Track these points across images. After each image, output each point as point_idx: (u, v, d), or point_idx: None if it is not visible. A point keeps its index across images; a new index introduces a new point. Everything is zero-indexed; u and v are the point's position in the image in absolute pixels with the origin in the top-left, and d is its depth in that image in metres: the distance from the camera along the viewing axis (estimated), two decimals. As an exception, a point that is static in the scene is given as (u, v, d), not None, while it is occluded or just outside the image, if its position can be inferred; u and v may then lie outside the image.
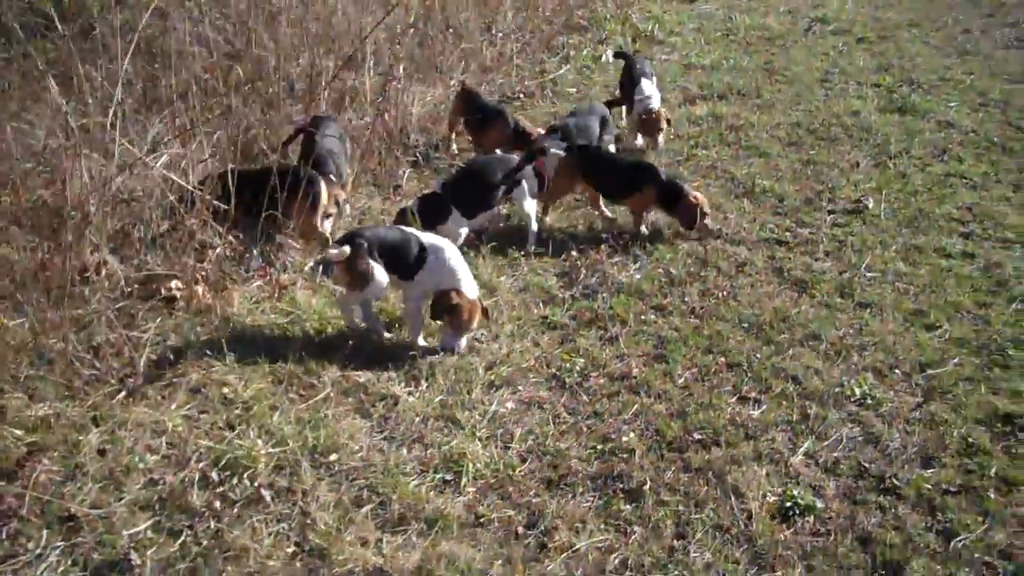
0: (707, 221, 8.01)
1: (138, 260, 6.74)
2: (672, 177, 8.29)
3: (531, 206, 7.92)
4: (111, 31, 7.26)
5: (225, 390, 5.85)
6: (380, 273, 6.36)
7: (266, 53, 9.49)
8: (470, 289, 6.37)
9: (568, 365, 6.29)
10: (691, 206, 7.93)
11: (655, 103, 9.98)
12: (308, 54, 9.71)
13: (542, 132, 9.10)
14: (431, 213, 7.49)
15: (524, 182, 7.86)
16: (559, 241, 8.00)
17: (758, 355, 6.39)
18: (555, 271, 7.54)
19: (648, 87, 10.05)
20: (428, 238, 6.51)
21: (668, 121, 10.03)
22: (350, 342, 6.42)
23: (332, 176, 7.67)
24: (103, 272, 6.49)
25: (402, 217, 7.44)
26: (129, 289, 6.52)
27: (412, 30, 10.78)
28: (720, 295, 7.15)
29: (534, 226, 7.94)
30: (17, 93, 7.66)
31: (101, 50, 7.79)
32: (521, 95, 11.46)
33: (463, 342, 6.37)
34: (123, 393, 5.69)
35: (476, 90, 9.95)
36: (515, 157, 7.99)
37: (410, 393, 5.97)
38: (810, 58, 13.44)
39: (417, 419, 5.74)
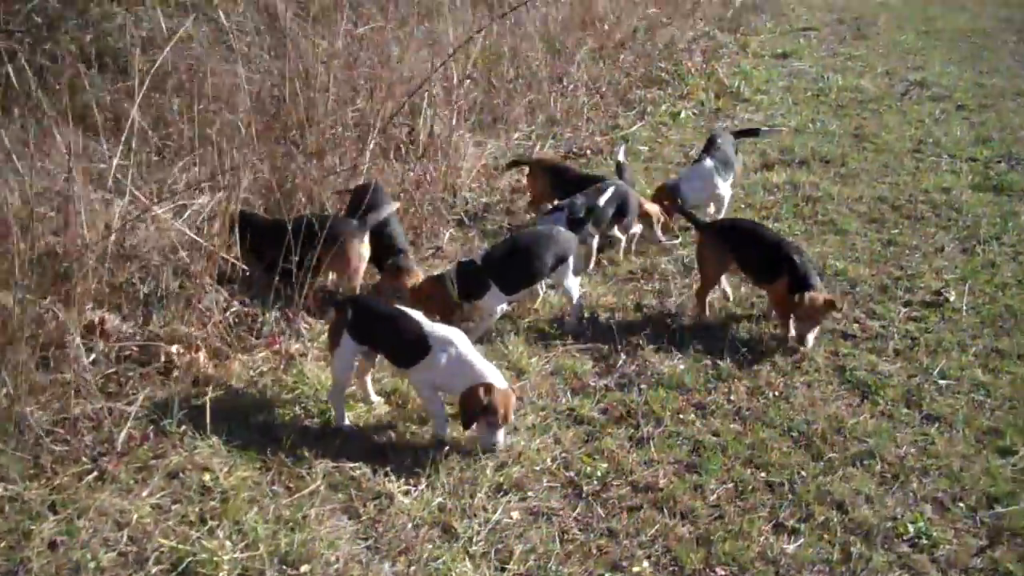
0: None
1: (137, 321, 6.29)
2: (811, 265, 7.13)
3: (574, 283, 7.27)
4: (139, 71, 6.83)
5: (206, 477, 5.35)
6: (346, 351, 5.85)
7: (314, 95, 9.06)
8: (496, 378, 5.72)
9: (589, 469, 5.65)
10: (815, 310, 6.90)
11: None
12: (360, 102, 9.27)
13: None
14: (467, 284, 6.94)
15: (570, 259, 7.21)
16: (604, 324, 7.33)
17: (803, 472, 5.66)
18: (592, 354, 6.90)
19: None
20: (435, 329, 5.87)
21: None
22: (355, 425, 5.89)
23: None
24: (98, 332, 6.06)
25: (439, 284, 6.91)
26: (127, 352, 6.07)
27: (470, 80, 10.27)
28: (770, 395, 6.45)
29: (575, 301, 7.31)
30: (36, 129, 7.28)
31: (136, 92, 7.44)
32: (588, 151, 10.88)
33: (502, 437, 5.73)
34: (93, 475, 5.21)
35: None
36: (563, 231, 7.34)
37: (407, 492, 5.39)
38: (904, 125, 12.61)
39: (409, 525, 5.15)
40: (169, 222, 6.51)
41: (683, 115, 12.45)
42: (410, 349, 5.77)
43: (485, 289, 6.94)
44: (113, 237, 6.31)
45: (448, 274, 6.96)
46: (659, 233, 8.70)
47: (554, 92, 11.65)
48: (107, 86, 8.18)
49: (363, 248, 7.12)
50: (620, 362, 6.76)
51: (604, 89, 12.41)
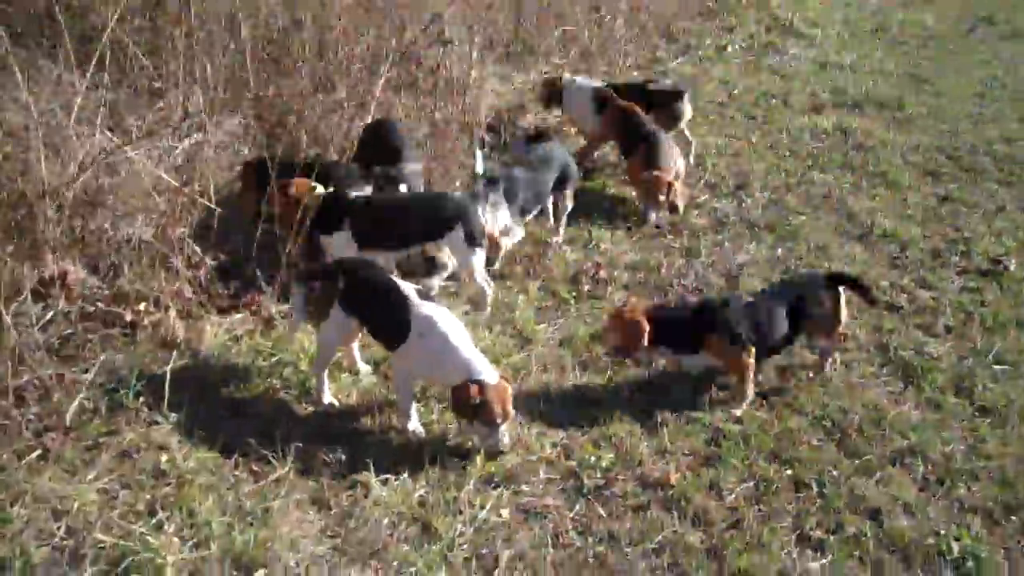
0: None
1: (104, 276, 5.70)
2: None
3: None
4: None
5: (162, 458, 4.78)
6: (333, 323, 5.26)
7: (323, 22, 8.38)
8: (488, 372, 4.98)
9: (592, 459, 5.03)
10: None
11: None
12: (373, 30, 8.56)
13: None
14: (323, 214, 6.07)
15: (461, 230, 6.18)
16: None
17: (835, 471, 5.01)
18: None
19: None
20: (421, 305, 5.12)
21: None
22: (336, 401, 5.32)
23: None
24: (59, 286, 5.49)
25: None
26: (89, 310, 5.51)
27: (494, 7, 9.49)
28: (803, 376, 5.77)
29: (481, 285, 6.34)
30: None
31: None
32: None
33: (505, 435, 5.01)
34: (36, 453, 4.66)
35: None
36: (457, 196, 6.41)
37: (385, 482, 4.79)
38: (969, 66, 11.65)
39: (384, 521, 4.57)
40: (145, 164, 5.87)
41: (730, 49, 11.59)
42: (393, 330, 5.12)
43: (335, 228, 6.12)
44: (80, 181, 5.71)
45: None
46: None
47: (590, 22, 10.83)
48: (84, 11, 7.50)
49: None
50: (638, 332, 6.09)
51: (646, 19, 11.55)
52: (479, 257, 6.13)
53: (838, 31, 12.84)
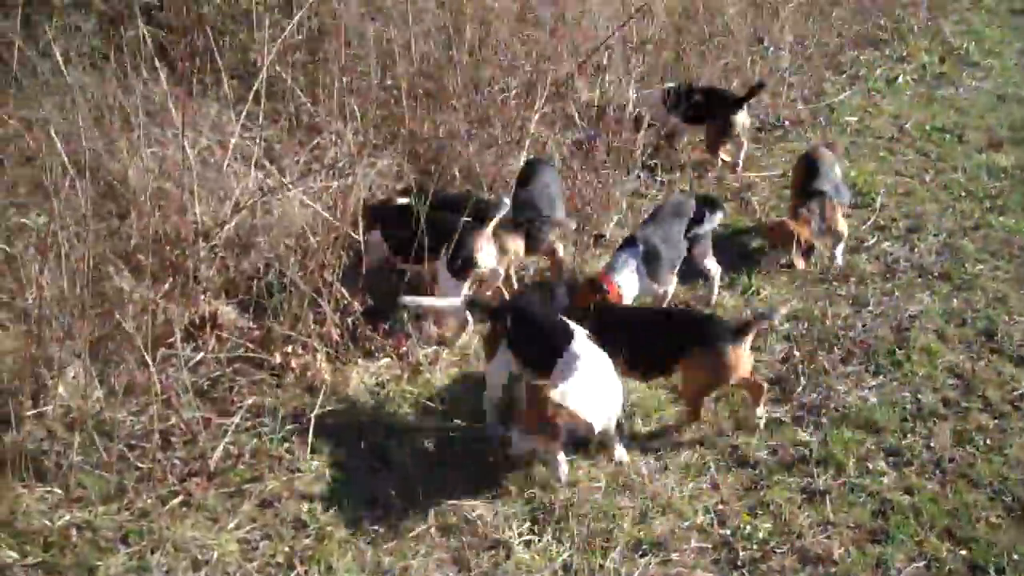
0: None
1: (251, 317, 5.69)
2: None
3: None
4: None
5: (303, 507, 4.72)
6: (500, 364, 5.24)
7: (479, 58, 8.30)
8: (590, 413, 4.78)
9: (748, 529, 4.73)
10: None
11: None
12: (529, 66, 8.43)
13: None
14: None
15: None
16: (783, 338, 6.30)
17: (1016, 556, 4.57)
18: (768, 373, 5.90)
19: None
20: (577, 344, 5.03)
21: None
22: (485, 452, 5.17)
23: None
24: (209, 327, 5.49)
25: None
26: (238, 352, 5.48)
27: (653, 44, 9.24)
28: (981, 443, 5.33)
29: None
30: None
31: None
32: (786, 123, 9.68)
33: (563, 465, 4.96)
34: (178, 499, 4.64)
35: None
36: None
37: (528, 544, 4.60)
38: None
39: (527, 587, 4.38)
40: (298, 204, 5.85)
41: (900, 80, 11.03)
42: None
43: None
44: (234, 222, 5.73)
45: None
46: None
47: (753, 54, 10.46)
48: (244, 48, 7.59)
49: (512, 242, 6.28)
50: (799, 388, 5.74)
51: (811, 51, 11.11)
52: None
53: (1016, 61, 12.10)
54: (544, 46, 8.74)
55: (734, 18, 10.53)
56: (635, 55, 8.71)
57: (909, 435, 5.39)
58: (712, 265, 6.57)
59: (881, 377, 5.88)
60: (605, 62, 8.75)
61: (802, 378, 5.82)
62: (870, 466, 5.16)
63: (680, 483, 5.01)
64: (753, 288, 6.74)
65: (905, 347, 6.12)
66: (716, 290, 6.61)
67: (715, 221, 6.41)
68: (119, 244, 5.83)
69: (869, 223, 7.70)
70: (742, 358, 5.28)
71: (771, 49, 10.57)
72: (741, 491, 5.00)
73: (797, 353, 6.04)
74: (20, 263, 5.34)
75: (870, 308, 6.57)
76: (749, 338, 5.32)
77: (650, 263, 6.01)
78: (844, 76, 11.04)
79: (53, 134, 5.03)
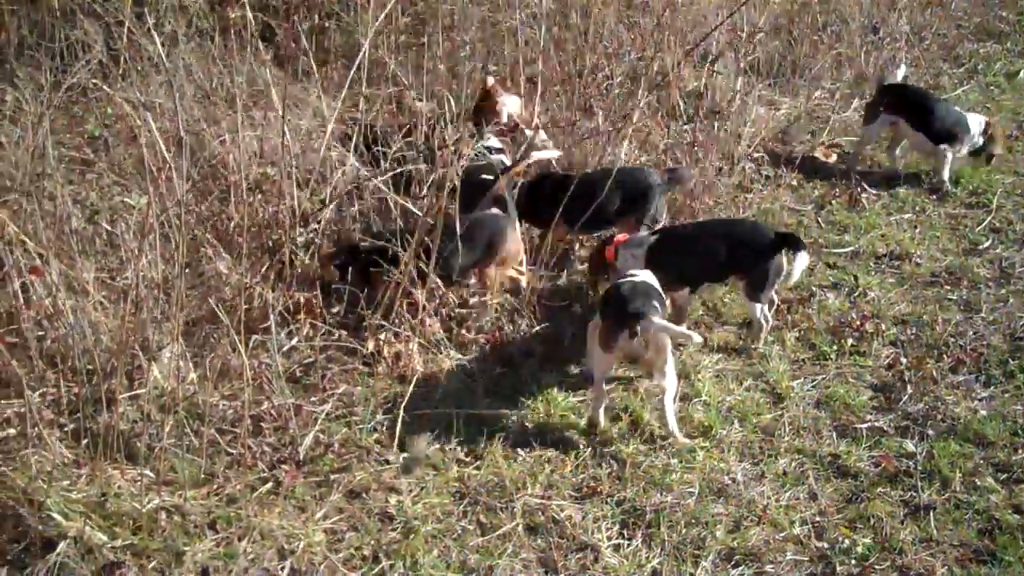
0: None
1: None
2: None
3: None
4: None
5: (391, 501, 4.67)
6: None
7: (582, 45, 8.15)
8: None
9: (847, 543, 4.55)
10: None
11: None
12: (635, 53, 8.27)
13: None
14: None
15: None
16: (890, 343, 6.06)
17: None
18: (871, 381, 5.69)
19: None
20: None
21: None
22: (582, 446, 5.07)
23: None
24: (303, 313, 5.48)
25: None
26: (331, 340, 5.46)
27: (764, 33, 8.99)
28: (1099, 458, 5.07)
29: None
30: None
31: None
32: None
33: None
34: (267, 486, 4.62)
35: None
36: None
37: (617, 548, 4.49)
38: None
39: (614, 594, 4.27)
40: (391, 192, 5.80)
41: (1021, 75, 10.58)
42: None
43: None
44: (329, 210, 5.71)
45: None
46: None
47: (867, 44, 10.13)
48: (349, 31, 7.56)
49: None
50: (905, 397, 5.52)
51: (928, 42, 10.72)
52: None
53: None
54: (650, 33, 8.57)
55: (849, 7, 10.21)
56: (744, 44, 8.46)
57: (1020, 450, 5.13)
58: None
59: (992, 388, 5.62)
60: (713, 51, 8.54)
61: (908, 386, 5.60)
62: (977, 482, 4.92)
63: (777, 492, 4.84)
64: (860, 289, 6.50)
65: (1019, 357, 5.83)
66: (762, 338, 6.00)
67: (801, 265, 5.82)
68: (218, 226, 5.86)
69: (984, 225, 7.39)
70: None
71: (886, 40, 10.21)
72: (840, 503, 4.81)
73: (904, 359, 5.81)
74: (121, 243, 5.42)
75: (983, 314, 6.29)
76: None
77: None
78: (962, 69, 10.63)
79: (149, 116, 5.04)
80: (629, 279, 5.45)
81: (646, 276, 5.55)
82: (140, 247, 4.83)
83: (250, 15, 6.00)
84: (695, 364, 5.76)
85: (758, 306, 5.84)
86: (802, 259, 5.75)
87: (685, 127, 7.98)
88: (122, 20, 5.91)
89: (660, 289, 5.48)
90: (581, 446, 5.11)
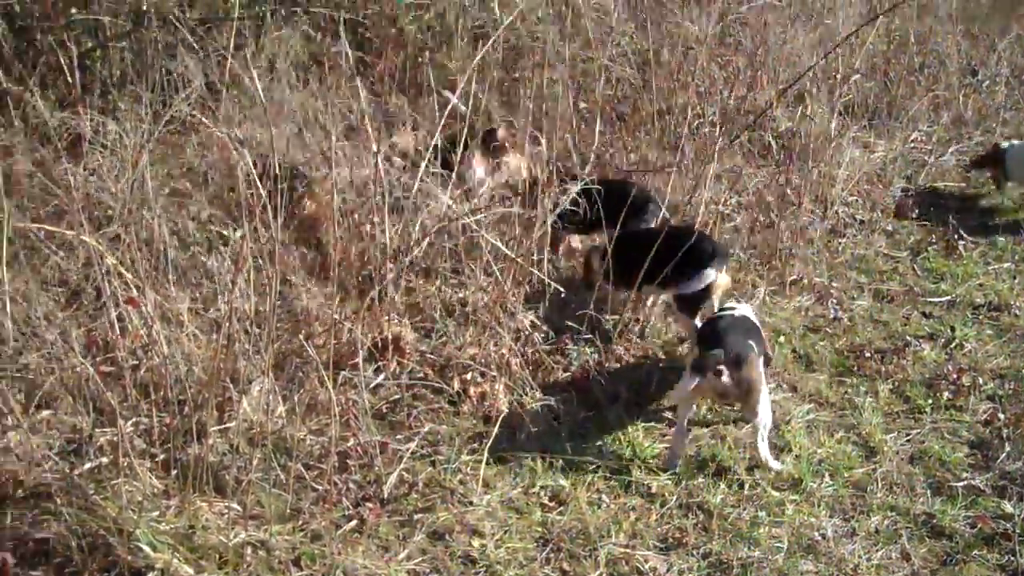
0: None
1: (433, 340, 5.67)
2: None
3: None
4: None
5: (474, 543, 4.63)
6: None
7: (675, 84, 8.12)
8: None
9: (941, 607, 4.41)
10: None
11: None
12: (727, 92, 8.21)
13: None
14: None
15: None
16: (988, 397, 5.89)
17: None
18: (967, 437, 5.53)
19: None
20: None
21: None
22: (667, 495, 5.00)
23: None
24: (391, 349, 5.50)
25: None
26: (418, 376, 5.47)
27: (860, 74, 8.86)
28: None
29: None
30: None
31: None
32: (995, 164, 9.12)
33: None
34: (352, 524, 4.62)
35: None
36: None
37: (706, 606, 4.41)
38: None
39: (698, 651, 4.19)
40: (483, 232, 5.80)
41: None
42: None
43: None
44: (424, 245, 5.74)
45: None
46: None
47: (965, 87, 9.95)
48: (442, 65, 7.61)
49: None
50: (1003, 455, 5.35)
51: (1031, 86, 10.50)
52: None
53: None
54: (743, 73, 8.52)
55: (947, 48, 10.04)
56: (839, 85, 8.35)
57: None
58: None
59: (1099, 442, 5.43)
60: (807, 92, 8.45)
61: (1007, 443, 5.42)
62: (1082, 549, 4.75)
63: (868, 550, 4.70)
64: (956, 341, 6.33)
65: None
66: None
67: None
68: (311, 261, 5.92)
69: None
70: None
71: (985, 82, 10.01)
72: (935, 564, 4.66)
73: (1002, 416, 5.64)
74: (215, 275, 5.49)
75: (1090, 365, 6.09)
76: None
77: None
78: (1071, 114, 10.35)
79: (246, 150, 5.12)
80: (728, 312, 5.43)
81: (745, 310, 5.51)
82: (234, 279, 4.89)
83: (347, 49, 6.07)
84: (785, 414, 5.64)
85: None
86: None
87: (778, 169, 7.84)
88: (223, 54, 6.06)
89: (759, 324, 5.43)
90: (667, 494, 5.02)
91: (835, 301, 6.76)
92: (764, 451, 5.14)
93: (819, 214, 7.56)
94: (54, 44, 6.39)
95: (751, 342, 5.15)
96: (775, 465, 5.15)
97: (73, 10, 6.62)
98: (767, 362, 5.45)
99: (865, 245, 7.51)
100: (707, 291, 5.78)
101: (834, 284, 6.92)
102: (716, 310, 5.72)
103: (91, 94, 6.50)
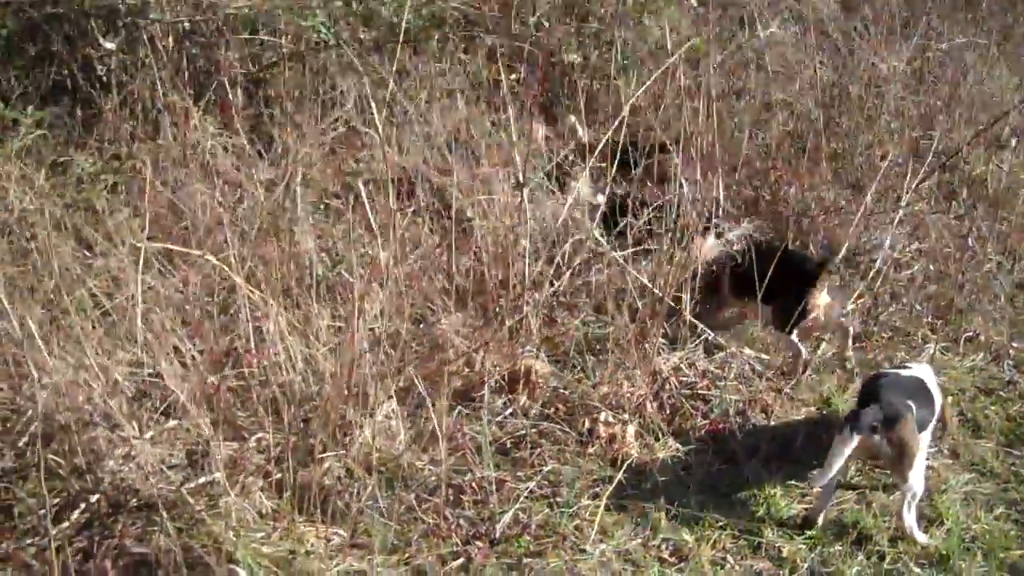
0: None
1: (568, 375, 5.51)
2: None
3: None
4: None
5: (580, 594, 4.42)
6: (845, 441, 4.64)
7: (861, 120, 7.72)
8: None
9: None
10: None
11: None
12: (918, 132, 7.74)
13: None
14: None
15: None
16: None
17: None
18: None
19: None
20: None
21: None
22: (799, 561, 4.66)
23: None
24: (522, 382, 5.37)
25: None
26: (548, 411, 5.32)
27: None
28: None
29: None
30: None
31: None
32: None
33: None
34: (459, 561, 4.49)
35: None
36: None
37: None
38: None
39: None
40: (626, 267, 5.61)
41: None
42: None
43: None
44: (562, 281, 5.59)
45: None
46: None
47: None
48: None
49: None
50: None
51: None
52: None
53: None
54: (937, 111, 8.04)
55: None
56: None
57: None
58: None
59: None
60: (1006, 136, 7.86)
61: None
62: None
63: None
64: None
65: None
66: None
67: None
68: (450, 285, 5.86)
69: None
70: None
71: None
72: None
73: None
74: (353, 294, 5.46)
75: None
76: None
77: None
78: None
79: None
80: (898, 371, 5.16)
81: (920, 371, 5.21)
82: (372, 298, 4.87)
83: (504, 77, 5.99)
84: (941, 482, 5.20)
85: None
86: None
87: (963, 214, 7.30)
88: (383, 76, 6.09)
89: (935, 386, 5.12)
90: (798, 560, 4.67)
91: (1012, 362, 6.21)
92: (910, 521, 4.75)
93: (1007, 267, 6.98)
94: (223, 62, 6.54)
95: (910, 404, 4.78)
96: (921, 538, 4.75)
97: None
98: (943, 427, 5.23)
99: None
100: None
101: (1014, 343, 6.36)
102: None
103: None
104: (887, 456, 4.74)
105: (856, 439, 4.60)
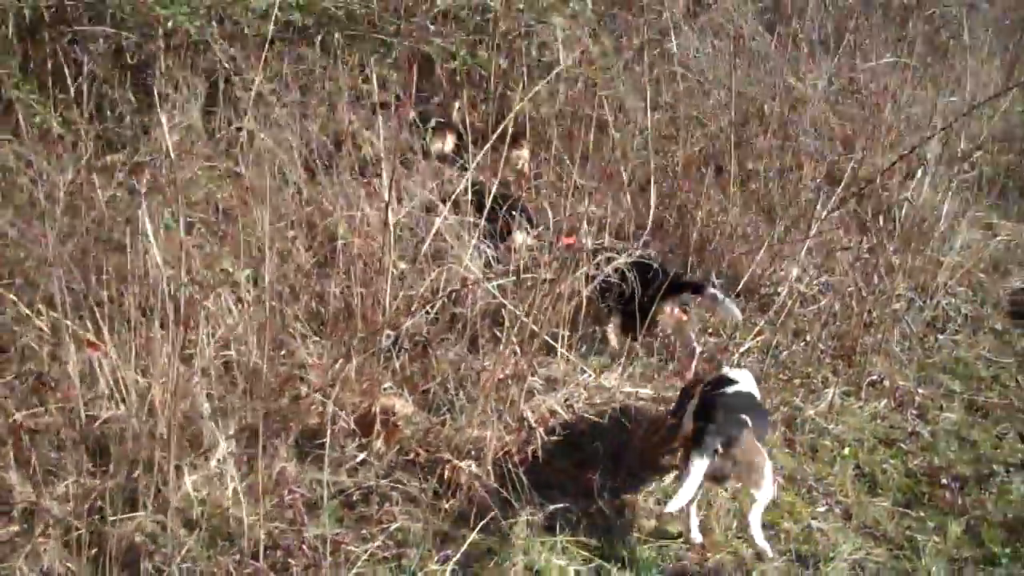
0: None
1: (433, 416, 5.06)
2: None
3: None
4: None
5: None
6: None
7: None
8: None
9: None
10: None
11: None
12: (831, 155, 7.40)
13: None
14: None
15: None
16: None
17: None
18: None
19: None
20: None
21: None
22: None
23: None
24: (378, 423, 4.88)
25: None
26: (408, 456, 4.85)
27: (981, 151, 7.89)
28: None
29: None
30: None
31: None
32: None
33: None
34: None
35: None
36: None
37: None
38: None
39: None
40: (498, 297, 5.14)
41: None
42: None
43: None
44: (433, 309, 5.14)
45: None
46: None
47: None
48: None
49: None
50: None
51: None
52: None
53: None
54: (857, 135, 7.69)
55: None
56: (958, 162, 7.41)
57: None
58: None
59: None
60: (921, 167, 7.50)
61: None
62: None
63: None
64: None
65: None
66: None
67: None
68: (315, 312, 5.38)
69: None
70: None
71: None
72: None
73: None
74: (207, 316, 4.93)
75: None
76: None
77: None
78: None
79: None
80: (724, 391, 4.87)
81: (746, 381, 5.02)
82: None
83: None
84: (830, 546, 4.78)
85: None
86: None
87: (873, 247, 6.91)
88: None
89: (758, 396, 4.99)
90: None
91: (917, 411, 5.84)
92: (756, 530, 4.54)
93: (917, 304, 6.61)
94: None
95: (745, 419, 4.58)
96: (766, 548, 4.57)
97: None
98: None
99: (967, 346, 6.52)
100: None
101: (920, 389, 5.98)
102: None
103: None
104: (737, 474, 4.51)
105: (705, 464, 4.34)
